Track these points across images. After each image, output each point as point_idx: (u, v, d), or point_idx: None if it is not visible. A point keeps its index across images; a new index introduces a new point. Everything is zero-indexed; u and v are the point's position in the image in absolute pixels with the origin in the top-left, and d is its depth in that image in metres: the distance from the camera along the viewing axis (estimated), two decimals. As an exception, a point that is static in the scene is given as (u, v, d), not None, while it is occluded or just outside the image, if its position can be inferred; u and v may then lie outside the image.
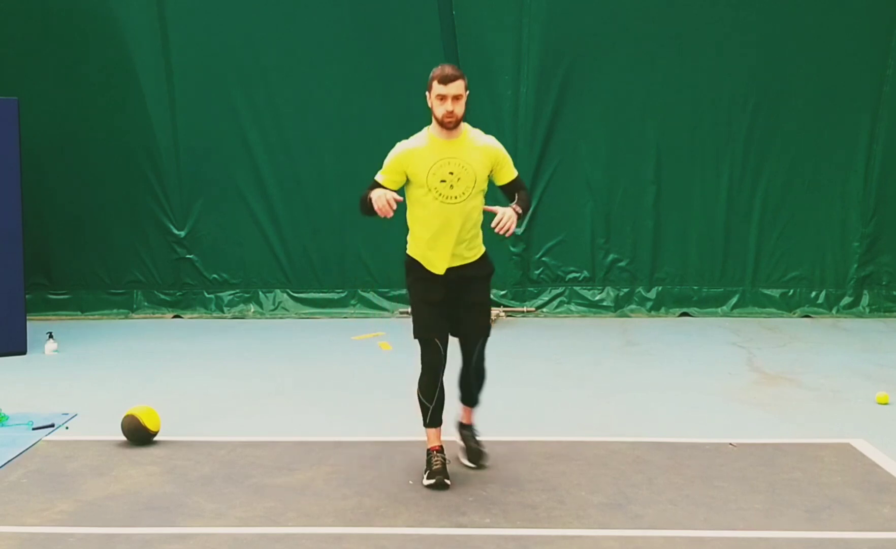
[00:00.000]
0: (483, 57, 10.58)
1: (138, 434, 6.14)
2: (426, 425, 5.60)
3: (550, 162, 10.82)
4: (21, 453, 5.96)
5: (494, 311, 10.60)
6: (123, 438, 6.16)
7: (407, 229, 5.69)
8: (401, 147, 5.55)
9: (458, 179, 5.48)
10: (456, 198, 5.49)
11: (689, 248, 10.96)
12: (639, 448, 6.08)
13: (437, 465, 5.45)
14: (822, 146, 10.82)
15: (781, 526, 4.88)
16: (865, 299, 11.02)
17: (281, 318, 10.91)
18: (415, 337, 5.62)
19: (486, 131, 11.34)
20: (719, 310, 10.96)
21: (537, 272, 10.92)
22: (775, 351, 9.13)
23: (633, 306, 10.99)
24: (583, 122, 10.77)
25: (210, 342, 9.65)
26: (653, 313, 10.95)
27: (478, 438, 5.87)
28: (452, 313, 5.62)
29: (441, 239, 5.52)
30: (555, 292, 10.97)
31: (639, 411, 7.01)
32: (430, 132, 5.55)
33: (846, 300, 11.00)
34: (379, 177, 5.54)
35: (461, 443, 5.88)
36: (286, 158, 10.86)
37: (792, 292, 11.02)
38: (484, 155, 5.59)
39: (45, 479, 5.54)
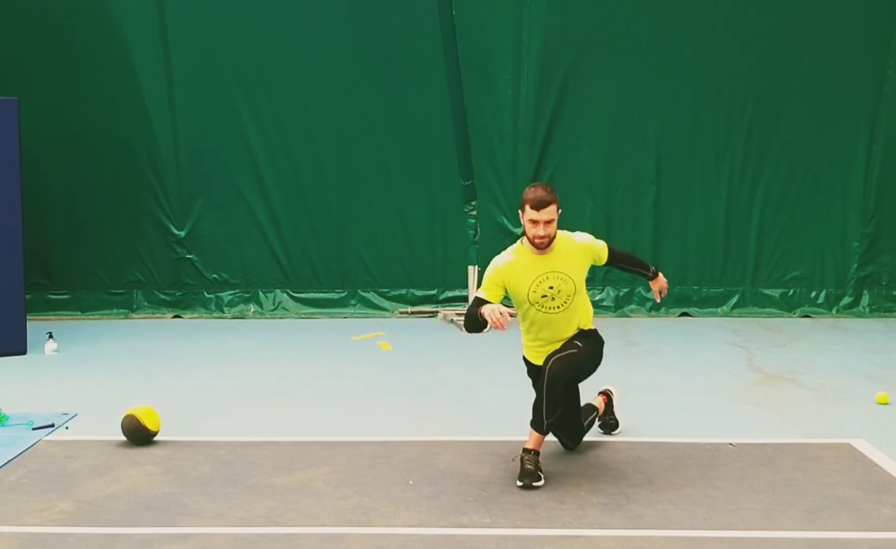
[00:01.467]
0: (483, 57, 10.58)
1: (138, 434, 6.14)
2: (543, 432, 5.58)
3: (550, 162, 10.83)
4: (21, 454, 5.96)
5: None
6: (123, 438, 6.16)
7: None
8: (498, 263, 5.59)
9: (559, 291, 5.60)
10: (559, 308, 5.63)
11: (689, 248, 10.97)
12: (639, 448, 6.08)
13: (529, 465, 5.49)
14: (822, 146, 10.82)
15: (781, 526, 4.88)
16: (865, 299, 11.02)
17: (281, 318, 10.91)
18: (539, 422, 5.53)
19: (487, 131, 11.40)
20: (719, 310, 10.96)
21: (537, 272, 10.91)
22: (775, 351, 9.13)
23: (633, 306, 10.99)
24: (583, 122, 10.77)
25: (210, 342, 9.65)
26: (653, 313, 10.95)
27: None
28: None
29: (549, 343, 5.69)
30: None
31: (639, 411, 7.00)
32: (522, 247, 5.62)
33: (846, 300, 11.00)
34: (480, 293, 5.53)
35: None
36: (286, 158, 10.87)
37: (792, 292, 11.02)
38: (581, 258, 5.73)
39: (45, 479, 5.54)
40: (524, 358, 5.93)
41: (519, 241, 5.69)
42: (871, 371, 8.27)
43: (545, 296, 5.57)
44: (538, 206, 5.44)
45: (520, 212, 5.58)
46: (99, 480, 5.52)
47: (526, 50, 10.60)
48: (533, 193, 5.50)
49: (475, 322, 5.41)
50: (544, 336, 5.69)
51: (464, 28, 10.05)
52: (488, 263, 5.78)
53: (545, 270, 5.57)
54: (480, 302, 5.44)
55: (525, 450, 5.52)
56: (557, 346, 5.64)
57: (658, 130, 10.81)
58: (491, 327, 5.26)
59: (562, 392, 5.48)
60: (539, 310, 5.60)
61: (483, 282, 5.61)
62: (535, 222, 5.46)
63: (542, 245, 5.51)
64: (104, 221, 10.93)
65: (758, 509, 5.10)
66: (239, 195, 10.90)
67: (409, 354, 9.03)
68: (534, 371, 5.81)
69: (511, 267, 5.56)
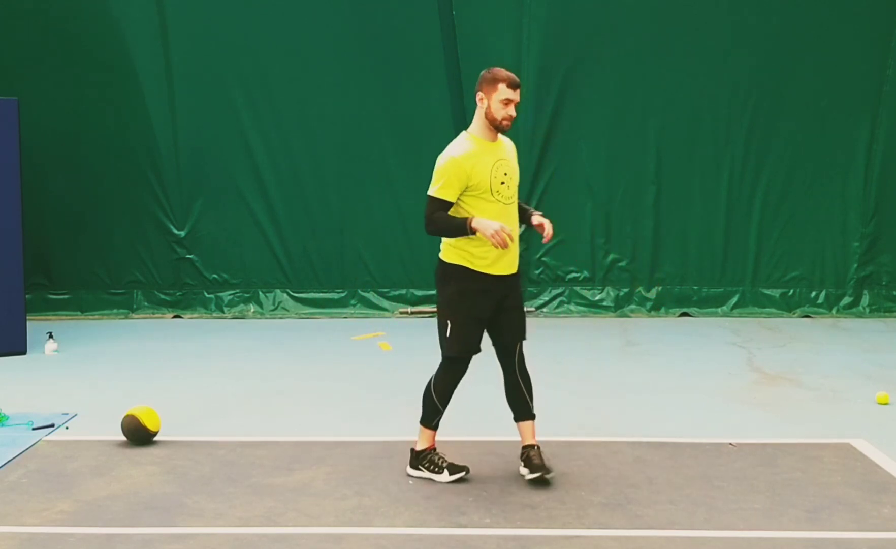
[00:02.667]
0: (483, 57, 10.51)
1: (138, 434, 6.14)
2: (432, 426, 5.55)
3: (550, 162, 10.82)
4: (21, 453, 5.96)
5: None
6: (123, 438, 6.16)
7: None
8: (456, 153, 5.25)
9: (511, 180, 5.38)
10: (510, 199, 5.37)
11: (689, 248, 10.96)
12: (639, 448, 6.08)
13: (447, 460, 5.48)
14: (822, 146, 10.82)
15: (781, 526, 4.88)
16: (865, 299, 11.02)
17: (281, 318, 10.91)
18: (454, 354, 5.40)
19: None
20: (719, 310, 10.96)
21: (537, 272, 10.92)
22: (775, 351, 9.13)
23: (633, 306, 10.99)
24: (583, 122, 10.77)
25: (210, 342, 9.65)
26: (653, 313, 10.95)
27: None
28: (493, 321, 5.45)
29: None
30: (555, 292, 10.97)
31: (639, 411, 7.01)
32: (474, 136, 5.36)
33: (846, 300, 11.00)
34: (440, 193, 5.20)
35: (528, 463, 5.48)
36: (286, 158, 10.87)
37: (792, 292, 11.02)
38: (515, 154, 5.57)
39: (45, 479, 5.54)
40: (460, 270, 5.30)
41: (464, 133, 5.40)
42: (871, 371, 8.27)
43: (503, 183, 5.29)
44: (515, 86, 5.25)
45: (481, 92, 5.29)
46: (99, 480, 5.52)
47: (526, 50, 10.60)
48: (507, 74, 5.28)
49: (453, 232, 5.16)
50: (483, 253, 5.29)
51: (464, 28, 10.06)
52: None
53: (497, 157, 5.33)
54: (443, 205, 5.16)
55: (434, 451, 5.55)
56: (508, 253, 5.28)
57: (658, 130, 10.81)
58: (497, 245, 5.03)
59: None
60: (498, 201, 5.26)
61: (438, 179, 5.20)
62: (508, 102, 5.24)
63: (508, 128, 5.32)
64: (104, 221, 10.93)
65: (758, 509, 5.10)
66: (239, 195, 10.90)
67: (409, 354, 9.03)
68: (472, 281, 5.30)
69: (471, 156, 5.24)
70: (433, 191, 5.24)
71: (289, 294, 11.07)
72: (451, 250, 5.35)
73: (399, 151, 10.84)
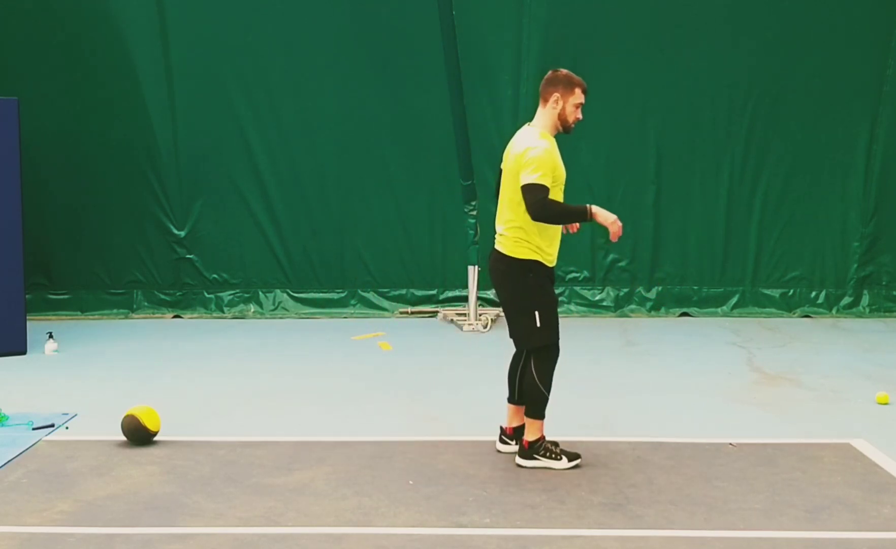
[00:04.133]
0: (483, 57, 10.59)
1: (138, 434, 6.14)
2: (543, 416, 5.71)
3: (550, 162, 10.81)
4: (21, 453, 5.96)
5: (494, 310, 10.61)
6: (123, 438, 6.16)
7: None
8: (547, 146, 5.49)
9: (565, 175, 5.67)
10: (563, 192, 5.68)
11: (689, 248, 10.96)
12: (639, 448, 6.08)
13: (561, 448, 5.72)
14: (822, 146, 10.82)
15: (781, 526, 4.88)
16: (865, 299, 11.02)
17: (281, 318, 10.91)
18: (550, 341, 5.63)
19: (486, 132, 11.41)
20: (719, 310, 10.96)
21: (537, 272, 10.91)
22: (775, 351, 9.13)
23: (633, 306, 10.99)
24: (583, 121, 10.69)
25: (210, 342, 9.65)
26: (653, 313, 10.95)
27: None
28: None
29: (559, 232, 5.67)
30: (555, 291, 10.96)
31: (639, 411, 7.01)
32: (546, 133, 5.61)
33: (846, 300, 11.00)
34: (542, 179, 5.37)
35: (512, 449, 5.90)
36: (286, 159, 10.87)
37: (792, 292, 11.02)
38: None
39: (45, 479, 5.54)
40: (534, 264, 5.56)
41: (536, 128, 5.61)
42: (871, 371, 8.27)
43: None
44: (586, 92, 5.62)
45: (557, 94, 5.56)
46: (99, 480, 5.52)
47: (526, 50, 10.60)
48: (581, 79, 5.61)
49: (570, 217, 5.43)
50: (554, 247, 5.65)
51: (464, 28, 10.05)
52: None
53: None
54: (546, 191, 5.33)
55: (546, 440, 5.71)
56: (558, 240, 5.66)
57: (658, 130, 10.81)
58: (615, 234, 5.37)
59: None
60: (561, 193, 5.60)
61: (538, 168, 5.36)
62: (579, 106, 5.59)
63: (572, 130, 5.66)
64: (104, 221, 10.93)
65: (758, 509, 5.10)
66: (239, 195, 10.90)
67: (409, 354, 9.03)
68: (544, 273, 5.60)
69: (555, 150, 5.55)
70: (536, 179, 5.35)
71: (289, 294, 11.07)
72: (523, 247, 5.54)
73: (399, 151, 10.85)
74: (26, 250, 9.18)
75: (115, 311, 10.99)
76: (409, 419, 6.75)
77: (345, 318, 10.87)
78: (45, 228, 10.83)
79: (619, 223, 5.39)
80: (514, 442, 5.91)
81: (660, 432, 6.45)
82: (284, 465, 5.77)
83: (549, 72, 5.73)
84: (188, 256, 10.99)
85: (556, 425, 6.48)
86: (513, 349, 6.01)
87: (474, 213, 10.47)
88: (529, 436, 5.75)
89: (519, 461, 5.77)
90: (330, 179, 10.92)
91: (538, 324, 5.58)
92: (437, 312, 10.92)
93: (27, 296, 9.56)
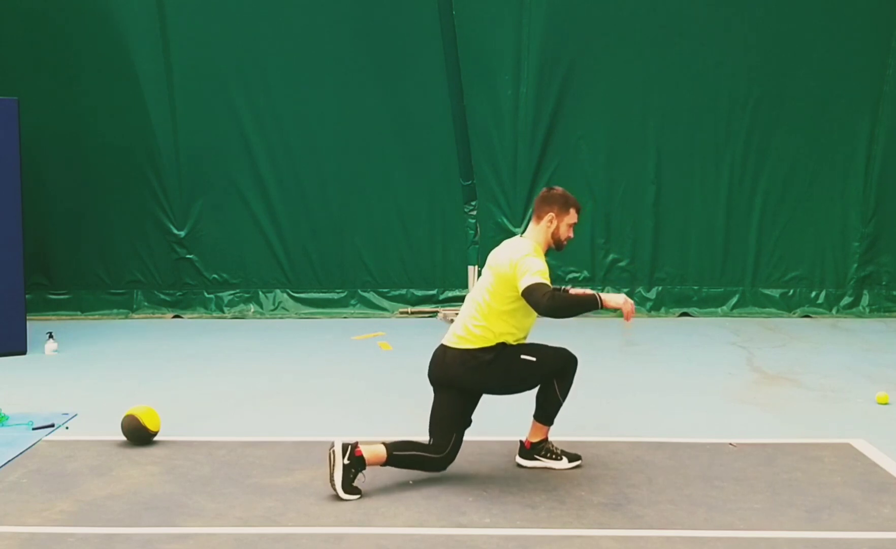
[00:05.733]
0: (483, 57, 10.59)
1: (138, 434, 6.14)
2: (552, 423, 5.78)
3: (550, 162, 10.83)
4: (21, 453, 5.96)
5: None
6: (123, 438, 6.16)
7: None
8: (537, 252, 5.46)
9: None
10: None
11: (689, 248, 10.97)
12: (639, 448, 6.08)
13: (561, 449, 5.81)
14: (822, 146, 10.82)
15: (781, 526, 4.88)
16: (865, 299, 11.02)
17: (281, 318, 10.91)
18: (564, 359, 5.70)
19: (486, 132, 11.40)
20: (719, 310, 10.96)
21: (537, 272, 10.91)
22: (775, 351, 9.13)
23: (632, 307, 10.98)
24: (583, 122, 10.77)
25: (210, 342, 9.65)
26: (653, 313, 10.95)
27: None
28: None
29: (531, 328, 5.67)
30: (555, 291, 10.96)
31: (639, 411, 7.01)
32: (539, 247, 5.52)
33: (846, 300, 11.01)
34: (544, 276, 5.27)
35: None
36: (286, 159, 10.87)
37: (792, 292, 11.02)
38: None
39: (45, 479, 5.54)
40: (497, 346, 5.48)
41: (529, 241, 5.51)
42: (871, 371, 8.27)
43: None
44: (580, 212, 5.63)
45: (552, 213, 5.50)
46: (99, 480, 5.52)
47: (526, 50, 10.60)
48: (574, 199, 5.60)
49: (580, 307, 5.29)
50: (529, 327, 5.65)
51: (464, 28, 10.06)
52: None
53: None
54: (547, 286, 5.22)
55: (547, 441, 5.76)
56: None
57: (658, 130, 10.81)
58: (625, 322, 5.32)
59: None
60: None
61: (536, 267, 5.27)
62: (573, 226, 5.60)
63: (563, 249, 5.66)
64: (104, 221, 10.93)
65: (758, 509, 5.10)
66: (239, 195, 10.90)
67: (409, 354, 9.03)
68: (507, 351, 5.52)
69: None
70: (538, 278, 5.21)
71: (289, 294, 11.07)
72: (489, 336, 5.45)
73: (399, 151, 10.85)
74: (26, 250, 9.18)
75: (115, 311, 10.99)
76: (409, 419, 6.75)
77: (345, 318, 10.87)
78: (45, 228, 10.84)
79: (631, 302, 5.29)
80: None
81: (660, 432, 6.45)
82: (284, 465, 5.77)
83: (544, 190, 5.65)
84: (188, 256, 10.99)
85: (557, 425, 6.48)
86: None
87: (474, 213, 10.48)
88: (533, 438, 5.76)
89: (519, 460, 5.78)
90: (330, 179, 10.92)
91: (535, 361, 5.56)
92: (437, 312, 10.92)
93: (27, 296, 9.56)
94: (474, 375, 5.50)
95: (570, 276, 10.95)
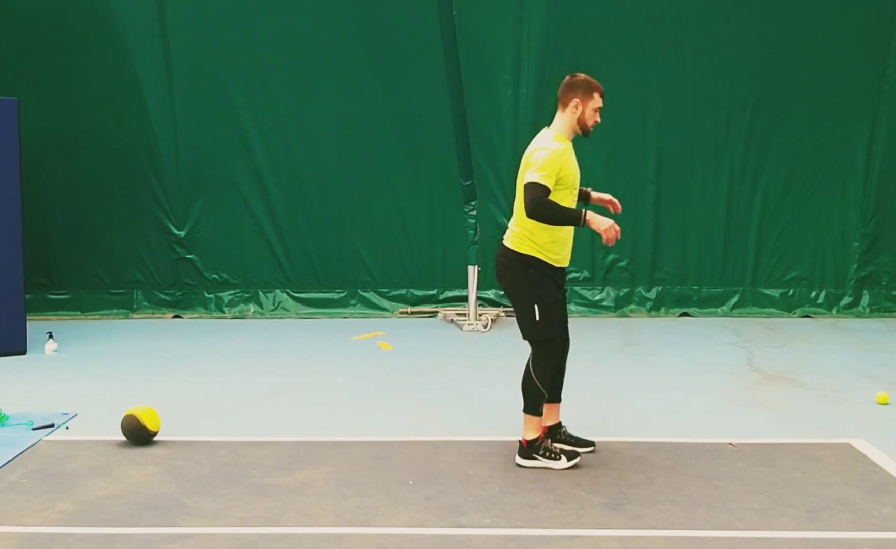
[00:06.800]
0: (483, 57, 10.59)
1: (138, 434, 6.14)
2: (538, 413, 5.74)
3: (550, 162, 10.81)
4: (21, 453, 5.96)
5: (494, 311, 10.62)
6: (123, 438, 6.16)
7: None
8: (554, 148, 5.55)
9: (578, 178, 5.79)
10: (577, 193, 5.85)
11: (689, 248, 10.96)
12: (639, 448, 6.09)
13: (560, 446, 5.82)
14: (822, 146, 10.82)
15: (781, 526, 4.88)
16: (865, 299, 11.02)
17: (281, 318, 10.91)
18: (547, 337, 5.69)
19: (486, 132, 11.40)
20: (719, 310, 10.96)
21: (537, 272, 10.92)
22: (775, 351, 9.13)
23: (633, 306, 10.99)
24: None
25: (210, 342, 9.65)
26: (653, 313, 10.95)
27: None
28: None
29: (570, 234, 5.78)
30: (555, 291, 10.97)
31: (639, 412, 7.01)
32: (561, 136, 5.67)
33: (846, 300, 11.01)
34: (544, 180, 5.44)
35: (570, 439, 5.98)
36: (286, 159, 10.87)
37: (792, 292, 11.02)
38: None
39: (45, 479, 5.54)
40: (535, 260, 5.64)
41: (550, 132, 5.66)
42: (871, 371, 8.27)
43: (578, 178, 5.74)
44: (604, 96, 5.72)
45: (577, 99, 5.65)
46: (99, 480, 5.52)
47: (526, 50, 10.60)
48: (597, 83, 5.70)
49: (563, 219, 5.46)
50: (563, 243, 5.73)
51: (464, 28, 10.05)
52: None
53: (574, 155, 5.75)
54: (545, 191, 5.41)
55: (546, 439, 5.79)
56: (570, 242, 5.79)
57: (658, 130, 10.81)
58: (608, 240, 5.44)
59: None
60: (573, 195, 5.72)
61: (543, 168, 5.44)
62: (598, 110, 5.72)
63: (590, 133, 5.75)
64: (104, 221, 10.93)
65: (758, 509, 5.11)
66: (239, 195, 10.90)
67: (409, 354, 9.03)
68: (546, 271, 5.67)
69: (565, 153, 5.61)
70: (538, 178, 5.43)
71: (289, 294, 11.07)
72: (525, 242, 5.64)
73: (399, 150, 10.85)
74: (26, 251, 9.19)
75: (115, 311, 10.99)
76: (409, 419, 6.75)
77: (345, 318, 10.87)
78: (45, 228, 10.84)
79: (616, 228, 5.43)
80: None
81: (660, 432, 6.45)
82: (284, 465, 5.77)
83: (568, 77, 5.81)
84: (188, 256, 10.99)
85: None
86: (521, 350, 6.00)
87: (474, 213, 10.47)
88: (527, 435, 5.76)
89: (518, 460, 5.78)
90: (330, 179, 10.92)
91: (537, 317, 5.65)
92: (437, 312, 10.92)
93: (27, 296, 9.56)
94: (502, 271, 5.78)
95: (570, 275, 10.95)
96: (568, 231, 5.73)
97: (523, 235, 5.66)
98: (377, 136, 10.84)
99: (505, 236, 5.81)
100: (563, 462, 5.70)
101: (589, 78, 5.72)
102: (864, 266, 10.99)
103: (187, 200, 10.90)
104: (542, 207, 5.42)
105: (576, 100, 5.66)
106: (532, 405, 5.73)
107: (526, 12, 10.51)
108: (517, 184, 5.76)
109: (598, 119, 5.73)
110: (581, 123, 5.68)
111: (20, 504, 5.16)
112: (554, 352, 5.75)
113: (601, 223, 5.43)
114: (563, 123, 5.70)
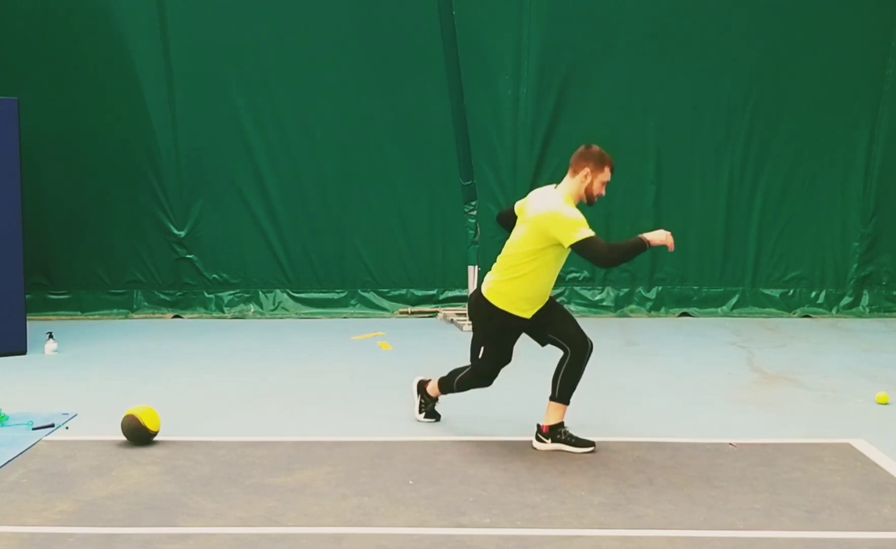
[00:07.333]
0: (483, 57, 10.59)
1: (138, 434, 6.14)
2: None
3: (550, 162, 10.82)
4: (21, 453, 5.95)
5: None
6: (123, 438, 6.16)
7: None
8: (575, 207, 5.83)
9: None
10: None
11: (689, 248, 10.96)
12: (639, 448, 6.08)
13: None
14: (822, 146, 10.83)
15: (781, 526, 4.88)
16: (865, 299, 11.02)
17: (281, 318, 10.91)
18: (485, 373, 6.17)
19: (486, 132, 11.40)
20: (719, 310, 10.96)
21: (537, 272, 10.91)
22: (775, 351, 9.13)
23: (633, 306, 11.00)
24: (583, 121, 10.76)
25: (210, 342, 9.65)
26: (653, 313, 10.95)
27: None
28: (541, 333, 6.10)
29: (550, 288, 6.06)
30: (554, 291, 10.93)
31: (639, 412, 7.01)
32: (570, 198, 5.86)
33: (846, 300, 11.01)
34: (589, 232, 5.67)
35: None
36: (286, 159, 10.87)
37: (792, 292, 11.02)
38: None
39: (45, 479, 5.54)
40: (505, 315, 5.94)
41: (560, 193, 5.83)
42: (871, 371, 8.27)
43: None
44: (613, 171, 5.94)
45: (587, 169, 5.80)
46: (99, 480, 5.52)
47: (526, 50, 10.60)
48: (609, 158, 5.90)
49: (634, 252, 5.76)
50: (554, 278, 6.02)
51: (464, 28, 10.06)
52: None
53: None
54: (598, 240, 5.63)
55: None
56: (549, 294, 6.06)
57: (658, 130, 10.81)
58: (669, 249, 5.75)
59: None
60: (564, 257, 5.92)
61: (580, 223, 5.64)
62: (606, 183, 5.90)
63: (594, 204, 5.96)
64: (104, 221, 10.93)
65: (758, 509, 5.10)
66: (239, 195, 10.91)
67: (409, 354, 9.03)
68: (514, 323, 5.96)
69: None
70: (586, 233, 5.63)
71: (289, 294, 11.07)
72: (503, 297, 5.93)
73: (399, 151, 10.85)
74: (26, 250, 9.18)
75: (115, 311, 10.99)
76: (409, 419, 6.75)
77: (345, 318, 10.87)
78: (45, 228, 10.83)
79: (670, 234, 5.72)
80: (549, 440, 6.06)
81: (660, 432, 6.45)
82: (284, 465, 5.77)
83: (583, 146, 5.97)
84: (188, 256, 10.99)
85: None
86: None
87: (474, 213, 10.47)
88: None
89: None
90: (330, 179, 10.92)
91: (480, 355, 6.18)
92: (437, 312, 10.92)
93: (27, 296, 9.56)
94: (474, 310, 6.20)
95: (570, 276, 10.96)
96: (549, 286, 6.01)
97: (501, 290, 5.93)
98: (377, 136, 10.84)
99: (484, 283, 6.07)
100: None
101: (603, 152, 5.91)
102: (864, 266, 10.99)
103: (187, 200, 10.90)
104: (614, 252, 5.76)
105: (587, 170, 5.83)
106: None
107: (526, 12, 10.52)
108: (514, 235, 5.98)
109: (604, 192, 5.91)
110: (588, 192, 5.86)
111: (20, 504, 5.15)
112: (483, 383, 6.21)
113: (659, 237, 5.70)
114: (572, 188, 5.87)
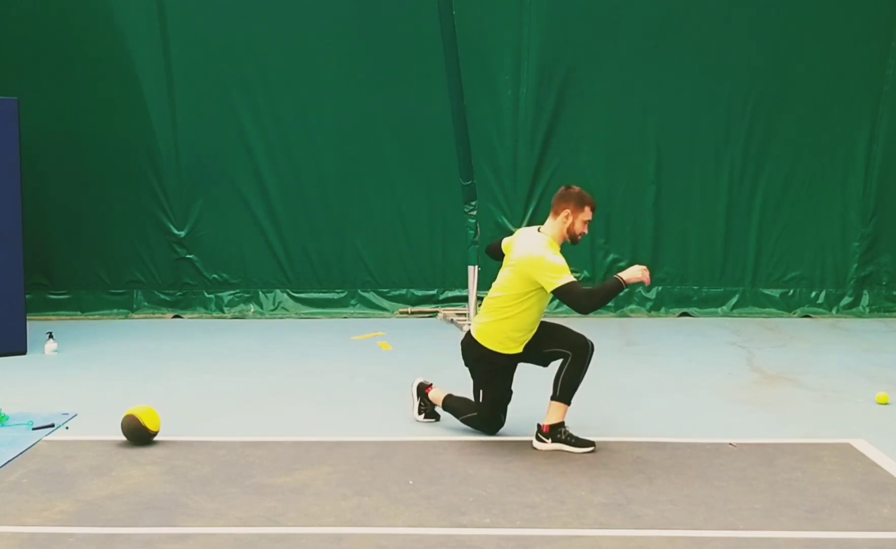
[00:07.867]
0: (483, 57, 10.59)
1: (138, 434, 6.14)
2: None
3: (550, 162, 10.83)
4: (21, 453, 5.95)
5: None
6: (123, 438, 6.16)
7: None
8: (557, 252, 5.93)
9: None
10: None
11: (689, 248, 10.97)
12: (639, 448, 6.09)
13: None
14: (822, 146, 10.83)
15: (781, 526, 4.88)
16: (865, 299, 11.02)
17: (281, 318, 10.91)
18: (486, 416, 6.27)
19: (487, 131, 11.41)
20: (719, 310, 10.96)
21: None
22: (775, 351, 9.13)
23: (633, 306, 10.99)
24: (583, 122, 10.77)
25: (210, 342, 9.65)
26: (653, 313, 10.95)
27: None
28: (538, 354, 6.22)
29: (536, 326, 6.13)
30: (555, 292, 10.96)
31: (639, 411, 7.01)
32: (554, 242, 5.98)
33: (846, 300, 11.01)
34: (570, 277, 5.79)
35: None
36: (286, 159, 10.87)
37: (792, 292, 11.02)
38: None
39: (45, 479, 5.54)
40: (496, 355, 6.11)
41: (544, 237, 5.95)
42: (871, 371, 8.28)
43: None
44: (595, 210, 6.03)
45: (568, 210, 5.92)
46: (99, 480, 5.52)
47: (526, 49, 10.60)
48: (590, 197, 6.01)
49: (612, 295, 5.92)
50: (537, 322, 6.10)
51: (464, 28, 10.05)
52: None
53: None
54: (579, 286, 5.76)
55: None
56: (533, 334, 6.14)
57: (658, 130, 10.81)
58: (645, 283, 5.88)
59: None
60: (547, 300, 6.02)
61: (560, 268, 5.77)
62: (587, 222, 6.01)
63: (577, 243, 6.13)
64: (104, 221, 10.93)
65: (758, 509, 5.10)
66: (239, 195, 10.91)
67: (409, 354, 9.03)
68: (504, 362, 6.14)
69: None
70: (567, 278, 5.76)
71: (289, 294, 11.07)
72: (489, 338, 6.11)
73: (399, 151, 10.85)
74: (26, 250, 9.18)
75: (115, 311, 10.99)
76: (409, 419, 6.75)
77: (345, 318, 10.87)
78: (45, 228, 10.83)
79: (647, 270, 5.82)
80: (549, 440, 6.10)
81: (660, 432, 6.45)
82: (284, 465, 5.77)
83: (563, 188, 6.08)
84: (188, 256, 10.99)
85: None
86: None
87: (474, 213, 10.47)
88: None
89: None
90: (330, 179, 10.92)
91: (479, 398, 6.29)
92: (437, 312, 10.92)
93: (27, 296, 9.55)
94: (466, 352, 6.32)
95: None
96: (537, 323, 6.10)
97: (489, 331, 6.10)
98: (377, 136, 10.84)
99: (472, 324, 6.28)
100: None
101: (583, 192, 6.02)
102: (864, 266, 10.99)
103: (187, 200, 10.90)
104: (592, 298, 5.84)
105: (567, 210, 5.95)
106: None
107: (526, 12, 10.52)
108: (500, 278, 6.10)
109: (587, 231, 6.04)
110: (570, 232, 5.98)
111: (20, 504, 5.15)
112: (486, 428, 6.29)
113: (635, 274, 5.80)
114: (554, 229, 5.99)
